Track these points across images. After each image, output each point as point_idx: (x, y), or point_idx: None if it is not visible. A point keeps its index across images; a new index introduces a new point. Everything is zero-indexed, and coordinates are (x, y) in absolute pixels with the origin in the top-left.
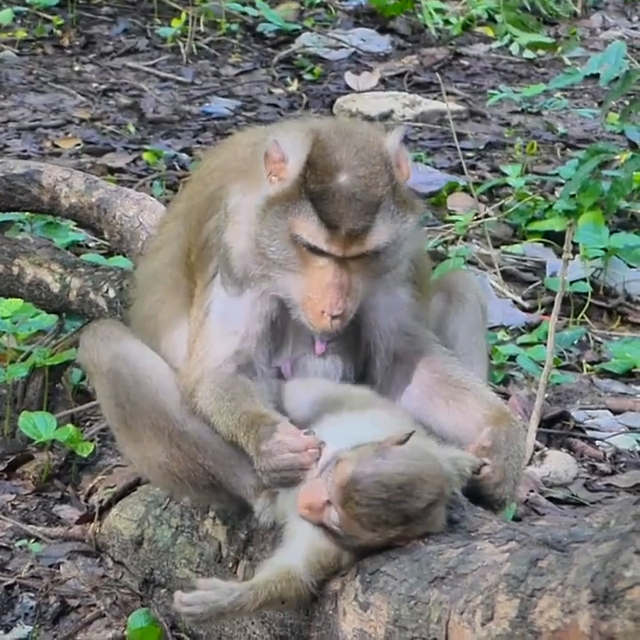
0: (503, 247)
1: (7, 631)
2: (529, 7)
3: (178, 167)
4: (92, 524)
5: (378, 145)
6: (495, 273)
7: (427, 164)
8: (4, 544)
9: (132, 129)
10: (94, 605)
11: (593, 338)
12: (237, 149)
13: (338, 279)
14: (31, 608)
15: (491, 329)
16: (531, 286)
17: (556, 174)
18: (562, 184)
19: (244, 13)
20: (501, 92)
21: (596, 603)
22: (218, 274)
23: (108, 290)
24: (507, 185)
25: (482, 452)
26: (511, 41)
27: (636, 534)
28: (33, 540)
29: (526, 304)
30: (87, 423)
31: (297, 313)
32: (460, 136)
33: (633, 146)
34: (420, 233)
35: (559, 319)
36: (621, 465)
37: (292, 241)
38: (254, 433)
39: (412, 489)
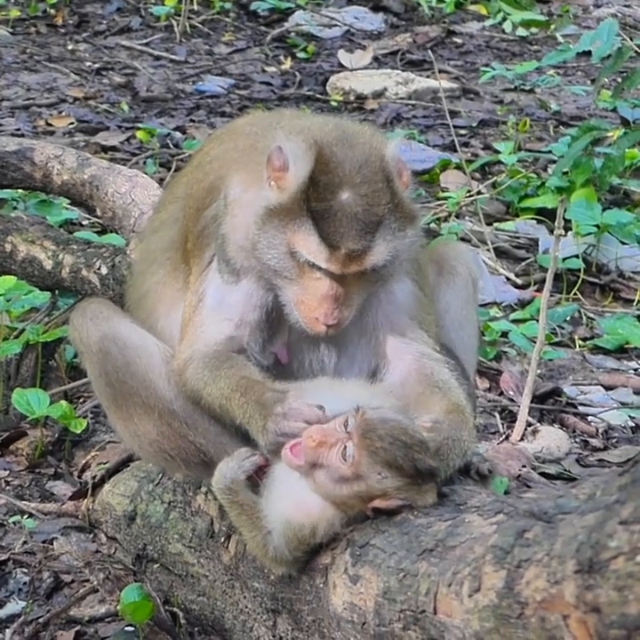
0: (496, 224)
1: (1, 606)
2: None
3: (171, 145)
4: (86, 500)
5: (380, 158)
6: (488, 250)
7: (420, 142)
8: None
9: (125, 107)
10: (87, 580)
11: (585, 314)
12: (238, 139)
13: (333, 291)
14: (25, 583)
15: (483, 306)
16: (523, 263)
17: (549, 151)
18: (554, 161)
19: None
20: (494, 69)
21: (581, 573)
22: (214, 261)
23: (100, 267)
24: (499, 162)
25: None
26: (504, 19)
27: (621, 505)
28: (26, 516)
29: (519, 281)
30: (80, 400)
31: (291, 313)
32: (453, 113)
33: (625, 123)
34: (419, 234)
35: (552, 296)
36: (613, 440)
37: (290, 254)
38: (259, 395)
39: (427, 450)
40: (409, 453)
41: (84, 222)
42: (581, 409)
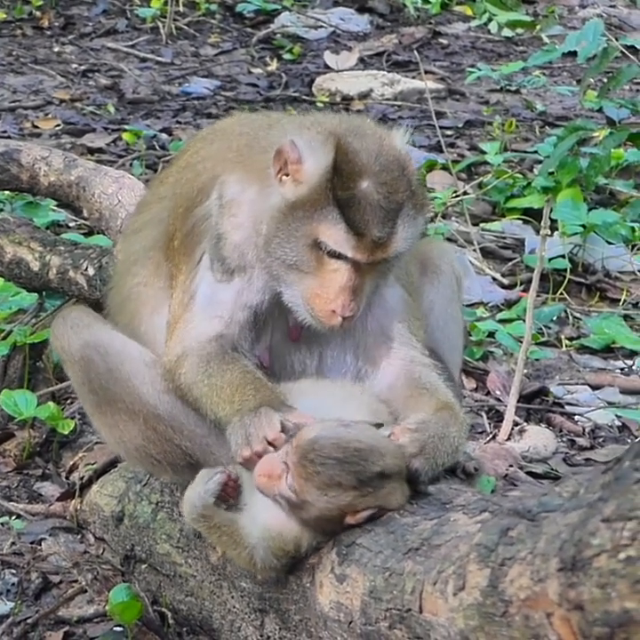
0: (482, 224)
1: None
2: None
3: (157, 147)
4: (73, 501)
5: (392, 148)
6: (474, 250)
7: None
8: None
9: (111, 109)
10: (76, 581)
11: (572, 314)
12: (230, 138)
13: (352, 282)
14: (13, 584)
15: (470, 306)
16: (510, 263)
17: (535, 152)
18: (540, 161)
19: None
20: (480, 70)
21: (564, 571)
22: (204, 259)
23: (87, 268)
24: (485, 162)
25: (405, 431)
26: (490, 19)
27: (604, 503)
28: (14, 517)
29: (505, 281)
30: (68, 401)
31: (300, 309)
32: (439, 114)
33: (611, 123)
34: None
35: (538, 296)
36: (600, 439)
37: (313, 245)
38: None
39: (368, 455)
40: (345, 468)
41: (71, 224)
42: (568, 408)
